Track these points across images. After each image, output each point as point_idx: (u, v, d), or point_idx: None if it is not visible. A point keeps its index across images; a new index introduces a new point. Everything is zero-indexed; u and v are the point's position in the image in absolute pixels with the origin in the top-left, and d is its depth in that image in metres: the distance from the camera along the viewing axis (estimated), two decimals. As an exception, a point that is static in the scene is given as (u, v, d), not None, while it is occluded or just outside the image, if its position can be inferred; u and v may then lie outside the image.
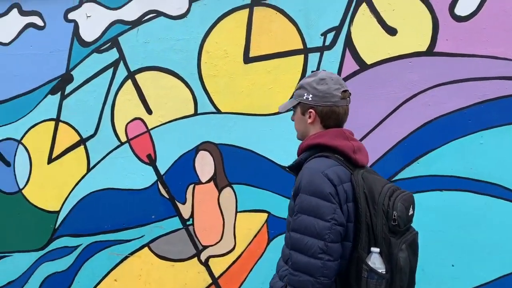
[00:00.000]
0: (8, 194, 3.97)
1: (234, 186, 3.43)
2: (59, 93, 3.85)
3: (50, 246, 3.87)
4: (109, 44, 3.72)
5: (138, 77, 3.66)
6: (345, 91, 1.85)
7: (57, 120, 3.85)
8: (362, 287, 1.64)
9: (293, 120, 1.97)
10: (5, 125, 3.97)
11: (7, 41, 3.98)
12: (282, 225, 3.28)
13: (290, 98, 2.03)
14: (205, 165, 3.50)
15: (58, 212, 3.85)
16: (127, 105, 3.68)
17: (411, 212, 1.75)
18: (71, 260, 3.82)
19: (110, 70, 3.73)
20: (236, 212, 3.43)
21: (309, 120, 1.86)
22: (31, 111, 3.92)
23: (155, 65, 3.61)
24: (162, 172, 3.61)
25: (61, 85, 3.84)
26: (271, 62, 3.35)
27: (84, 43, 3.79)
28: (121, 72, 3.69)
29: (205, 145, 3.50)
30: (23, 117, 3.94)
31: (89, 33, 3.77)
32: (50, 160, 3.88)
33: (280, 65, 3.33)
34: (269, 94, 3.35)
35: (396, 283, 1.66)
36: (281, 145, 3.31)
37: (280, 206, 3.32)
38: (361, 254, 1.67)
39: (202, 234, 3.52)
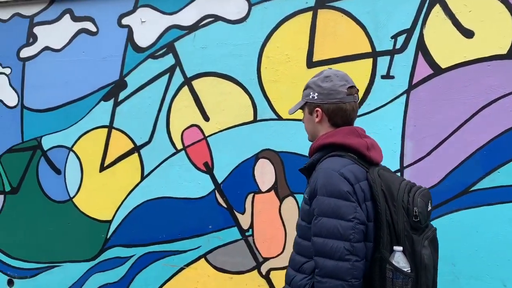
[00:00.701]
0: (58, 202, 3.83)
1: (296, 195, 3.24)
2: (112, 100, 3.71)
3: (101, 257, 3.71)
4: (164, 49, 3.57)
5: (195, 83, 3.50)
6: (351, 87, 1.78)
7: (110, 127, 3.71)
8: (388, 287, 1.57)
9: (303, 122, 1.92)
10: (56, 132, 3.84)
11: (59, 47, 3.86)
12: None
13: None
14: (265, 173, 3.32)
15: (110, 222, 3.70)
16: (184, 112, 3.53)
17: (429, 207, 1.68)
18: (123, 271, 3.66)
19: (166, 76, 3.58)
20: (299, 223, 3.24)
21: (317, 119, 1.81)
22: (82, 118, 3.78)
23: (213, 70, 3.45)
24: (219, 180, 3.43)
25: (114, 91, 3.71)
26: (336, 66, 3.15)
27: (138, 49, 3.65)
28: (177, 78, 3.54)
29: (265, 153, 3.32)
30: (74, 124, 3.80)
31: (144, 39, 3.63)
32: (103, 168, 3.73)
33: (346, 69, 3.07)
34: (335, 100, 3.17)
35: (422, 281, 1.58)
36: (348, 153, 3.13)
37: (347, 217, 3.12)
38: (384, 254, 1.60)
39: (262, 245, 3.33)
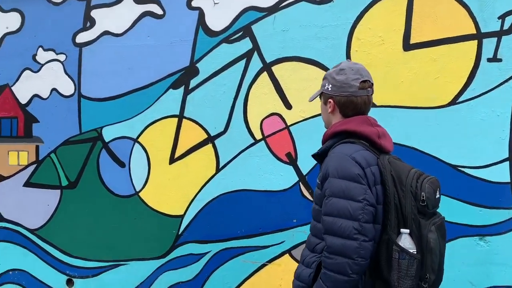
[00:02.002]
0: (122, 197, 3.50)
1: (392, 187, 2.98)
2: (182, 88, 3.38)
3: (172, 254, 3.39)
4: (240, 33, 3.25)
5: (275, 68, 3.19)
6: (364, 81, 1.79)
7: (181, 116, 3.39)
8: (394, 268, 1.59)
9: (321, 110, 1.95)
10: (118, 122, 3.50)
11: (120, 32, 3.51)
12: (454, 231, 2.83)
13: None
14: (356, 164, 3.04)
15: (182, 216, 3.38)
16: (263, 100, 3.22)
17: (438, 195, 1.69)
18: (197, 268, 3.35)
19: (242, 62, 3.26)
20: (396, 215, 2.98)
21: (329, 110, 1.85)
22: (149, 107, 3.44)
23: (296, 55, 3.14)
24: (304, 172, 3.14)
25: (184, 78, 3.37)
26: (437, 49, 2.88)
27: (211, 33, 3.32)
28: (255, 63, 3.22)
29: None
30: (139, 113, 3.46)
31: (217, 22, 3.30)
32: (173, 160, 3.41)
33: (448, 52, 2.87)
34: (435, 85, 2.89)
35: (427, 264, 1.60)
36: (453, 142, 2.85)
37: (454, 210, 2.84)
38: (391, 236, 1.61)
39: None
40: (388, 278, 1.62)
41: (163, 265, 3.41)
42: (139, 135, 3.47)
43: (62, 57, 3.64)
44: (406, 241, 1.59)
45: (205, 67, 3.33)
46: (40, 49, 3.68)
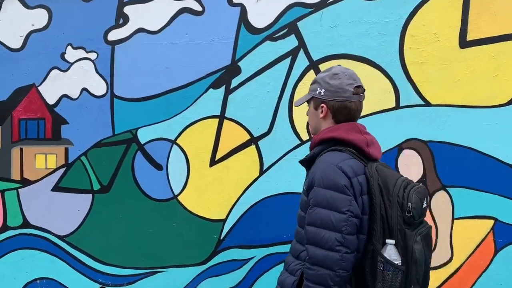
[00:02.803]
0: (159, 201, 3.31)
1: (449, 189, 2.84)
2: (223, 87, 3.20)
3: (214, 260, 3.21)
4: (285, 30, 3.09)
5: (322, 66, 3.03)
6: (358, 86, 1.74)
7: (222, 117, 3.22)
8: (378, 279, 1.55)
9: (307, 115, 1.88)
10: (155, 123, 3.32)
11: (156, 29, 3.33)
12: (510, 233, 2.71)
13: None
14: (411, 165, 2.89)
15: (223, 221, 3.21)
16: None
17: (425, 204, 1.65)
18: (240, 275, 3.17)
19: (287, 60, 3.10)
20: (453, 219, 2.85)
21: (321, 115, 1.77)
22: (187, 107, 3.26)
23: (345, 52, 3.00)
24: (355, 174, 3.00)
25: (225, 77, 3.20)
26: (495, 46, 2.74)
27: (253, 30, 3.15)
28: (301, 61, 3.06)
29: (410, 143, 2.90)
30: (177, 114, 3.28)
31: (260, 19, 3.13)
32: (213, 162, 3.24)
33: (507, 49, 2.72)
34: (494, 83, 2.75)
35: (412, 276, 1.56)
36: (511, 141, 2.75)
37: (510, 211, 2.75)
38: (376, 246, 1.58)
39: (409, 244, 2.92)
40: None
41: (203, 272, 3.23)
42: (177, 137, 3.28)
43: (93, 56, 3.44)
44: (391, 252, 1.55)
45: (248, 65, 3.16)
46: (69, 47, 3.48)
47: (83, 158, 3.45)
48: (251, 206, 3.15)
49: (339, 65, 1.83)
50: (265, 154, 3.13)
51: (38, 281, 3.55)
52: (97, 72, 3.43)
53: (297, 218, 1.82)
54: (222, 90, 3.20)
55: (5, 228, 3.61)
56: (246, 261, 3.16)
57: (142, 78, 3.34)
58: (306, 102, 1.92)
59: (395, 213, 1.58)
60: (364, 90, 1.80)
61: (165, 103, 3.29)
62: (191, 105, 3.25)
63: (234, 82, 3.17)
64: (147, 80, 3.32)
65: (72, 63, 3.48)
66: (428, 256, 1.64)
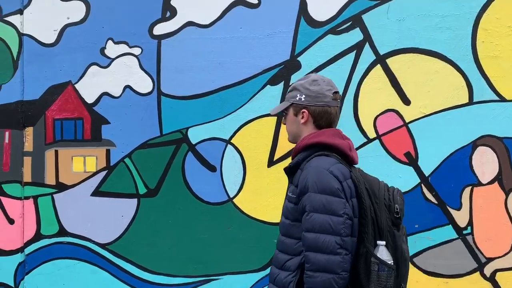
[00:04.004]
0: (214, 204, 3.05)
1: (527, 186, 2.72)
2: (281, 84, 2.99)
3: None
4: (349, 23, 2.91)
5: (390, 61, 2.86)
6: (336, 92, 1.76)
7: (280, 115, 3.00)
8: (373, 280, 1.55)
9: (284, 124, 1.87)
10: (207, 122, 3.07)
11: (207, 23, 3.09)
12: None
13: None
14: (486, 163, 2.74)
15: (284, 225, 3.00)
16: (376, 95, 2.88)
17: (403, 206, 1.69)
18: (304, 281, 2.98)
19: (352, 54, 2.91)
20: (531, 217, 2.72)
21: (302, 120, 1.76)
22: (243, 105, 3.03)
23: (414, 46, 2.84)
24: (426, 173, 2.83)
25: (284, 73, 2.99)
26: None
27: (314, 23, 2.95)
28: (367, 56, 2.87)
29: (485, 140, 2.75)
30: (232, 112, 3.05)
31: (321, 11, 2.93)
32: (272, 163, 3.02)
33: None
34: None
35: (402, 274, 1.60)
36: None
37: None
38: (369, 248, 1.57)
39: (485, 244, 2.75)
40: None
41: (262, 279, 2.99)
42: (232, 136, 3.05)
43: (137, 51, 3.17)
44: (383, 253, 1.56)
45: (308, 60, 2.95)
46: (110, 41, 3.20)
47: (127, 160, 3.17)
48: (314, 208, 2.94)
49: (314, 73, 1.85)
50: (329, 153, 2.93)
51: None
52: (141, 68, 3.16)
53: (279, 226, 1.77)
54: (280, 86, 2.99)
55: (39, 236, 3.29)
56: (310, 266, 2.94)
57: (193, 75, 3.09)
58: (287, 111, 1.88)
59: (384, 215, 1.61)
60: (341, 96, 1.86)
61: (218, 100, 3.06)
62: (246, 102, 3.02)
63: (294, 78, 2.96)
64: (198, 77, 3.08)
65: (113, 59, 3.19)
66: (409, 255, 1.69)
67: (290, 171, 1.78)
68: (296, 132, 1.82)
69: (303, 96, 1.76)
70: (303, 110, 1.76)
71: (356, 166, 1.80)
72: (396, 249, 1.59)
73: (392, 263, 1.56)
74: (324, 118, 1.75)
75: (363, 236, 1.60)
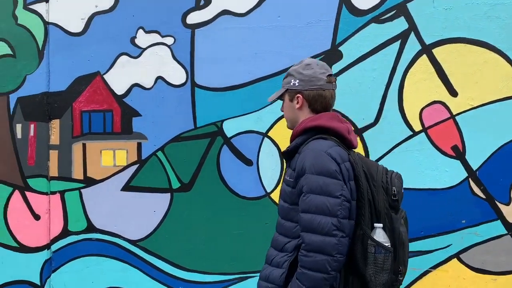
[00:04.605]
0: (250, 199, 2.92)
1: None
2: (322, 74, 2.88)
3: (314, 263, 2.89)
4: (393, 12, 2.79)
5: (436, 51, 2.73)
6: (330, 75, 1.75)
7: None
8: (370, 262, 1.54)
9: (282, 111, 1.86)
10: (243, 115, 2.94)
11: (243, 11, 2.96)
12: None
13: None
14: (538, 156, 2.66)
15: (325, 220, 2.88)
16: (422, 86, 2.75)
17: (402, 189, 1.68)
18: (345, 278, 2.86)
19: (396, 44, 2.78)
20: None
21: (297, 105, 1.76)
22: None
23: (461, 36, 2.72)
24: (474, 167, 2.71)
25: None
26: None
27: (357, 12, 2.82)
28: (412, 46, 2.74)
29: (537, 132, 2.66)
30: (269, 104, 2.89)
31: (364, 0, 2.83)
32: (312, 157, 2.90)
33: None
34: None
35: (399, 257, 1.58)
36: None
37: None
38: (366, 231, 1.57)
39: (536, 240, 2.68)
40: (363, 273, 1.57)
41: (302, 276, 2.88)
42: (269, 129, 2.93)
43: (169, 40, 3.03)
44: (380, 235, 1.55)
45: (350, 50, 2.83)
46: (141, 31, 3.06)
47: (159, 153, 3.04)
48: (356, 203, 2.82)
49: (309, 58, 1.83)
50: (371, 147, 2.81)
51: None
52: (174, 58, 3.03)
53: (278, 209, 1.77)
54: (321, 77, 2.85)
55: (66, 233, 3.16)
56: (352, 263, 2.83)
57: (228, 66, 2.95)
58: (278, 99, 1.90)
59: (381, 198, 1.59)
60: (336, 79, 1.78)
61: (254, 92, 2.93)
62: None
63: (335, 68, 2.83)
64: (234, 68, 2.94)
65: (145, 49, 3.06)
66: (408, 238, 1.66)
67: (288, 155, 1.76)
68: (293, 118, 1.81)
69: (297, 81, 1.75)
70: (298, 95, 1.76)
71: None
72: (393, 232, 1.58)
73: (389, 245, 1.55)
74: (319, 102, 1.73)
75: (360, 219, 1.59)
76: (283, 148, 2.80)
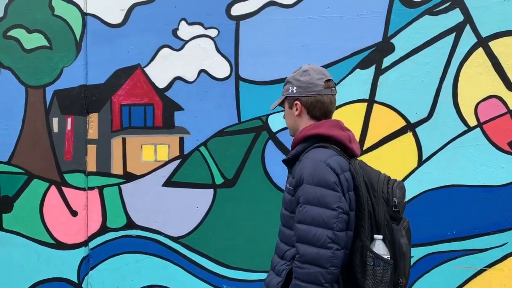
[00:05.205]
0: (296, 196, 2.87)
1: None
2: (372, 67, 2.76)
3: (364, 261, 2.81)
4: (448, 3, 2.68)
5: (493, 44, 2.62)
6: (328, 80, 1.70)
7: (371, 100, 2.78)
8: (369, 274, 1.51)
9: (284, 118, 1.83)
10: (290, 109, 2.86)
11: (290, 2, 2.85)
12: None
13: None
14: None
15: (375, 218, 2.80)
16: (478, 80, 2.65)
17: (405, 199, 1.64)
18: (396, 277, 2.78)
19: (451, 37, 2.68)
20: None
21: (296, 112, 1.73)
22: (329, 90, 2.83)
23: (519, 28, 2.63)
24: (532, 162, 2.64)
25: (375, 56, 2.75)
26: None
27: (409, 4, 2.71)
28: (468, 38, 2.64)
29: None
30: (317, 98, 2.85)
31: (418, -10, 2.73)
32: (361, 152, 2.80)
33: None
34: None
35: (400, 269, 1.54)
36: None
37: None
38: (365, 242, 1.54)
39: None
40: (362, 285, 1.54)
41: (351, 275, 2.80)
42: (317, 124, 2.83)
43: (213, 32, 2.93)
44: (380, 247, 1.51)
45: (402, 43, 2.73)
46: (183, 22, 2.96)
47: (202, 148, 2.95)
48: (408, 201, 2.73)
49: (308, 64, 1.80)
50: (424, 142, 2.72)
51: (150, 290, 3.03)
52: (218, 51, 2.93)
53: (280, 217, 1.75)
54: (371, 70, 2.77)
55: (105, 229, 3.07)
56: (403, 261, 2.75)
57: (274, 58, 2.86)
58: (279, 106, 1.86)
59: (382, 209, 1.55)
60: (335, 84, 1.75)
61: (302, 85, 2.83)
62: (334, 88, 2.80)
63: (386, 61, 2.74)
64: (280, 60, 2.85)
65: (187, 41, 2.96)
66: (410, 249, 1.62)
67: (289, 163, 1.73)
68: (294, 125, 1.77)
69: (295, 88, 1.73)
70: (296, 101, 1.72)
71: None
72: (394, 244, 1.54)
73: (389, 258, 1.51)
74: (318, 108, 1.70)
75: (359, 230, 1.56)
76: (331, 143, 2.72)
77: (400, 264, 1.54)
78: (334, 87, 1.75)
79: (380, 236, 1.53)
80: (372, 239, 1.54)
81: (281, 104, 1.81)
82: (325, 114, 1.72)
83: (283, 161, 1.76)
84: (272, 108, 1.86)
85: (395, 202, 1.56)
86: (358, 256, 1.55)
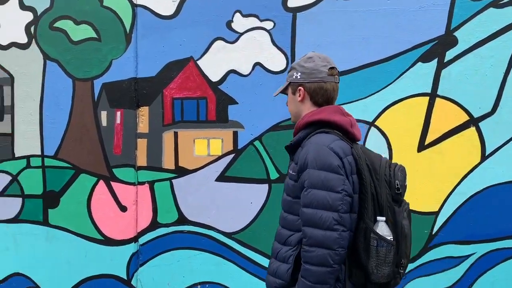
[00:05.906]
0: (355, 192, 2.81)
1: None
2: (435, 61, 2.70)
3: (425, 257, 2.71)
4: (516, -4, 2.64)
5: (560, 37, 2.60)
6: (332, 68, 1.72)
7: (433, 95, 2.72)
8: (372, 255, 1.54)
9: (287, 105, 1.84)
10: (349, 102, 2.76)
11: (351, -6, 2.79)
12: None
13: None
14: None
15: (436, 213, 2.71)
16: (544, 74, 2.63)
17: (406, 182, 1.67)
18: (458, 273, 2.68)
19: (516, 30, 2.65)
20: None
21: (299, 98, 1.74)
22: (389, 84, 2.74)
23: None
24: None
25: (438, 50, 2.69)
26: None
27: (475, -4, 2.68)
28: (534, 31, 2.63)
29: None
30: (377, 92, 2.76)
31: (485, -18, 2.66)
32: (423, 147, 2.75)
33: None
34: None
35: (402, 250, 1.57)
36: None
37: None
38: (368, 224, 1.56)
39: None
40: (366, 266, 1.56)
41: (412, 270, 2.73)
42: (376, 118, 2.77)
43: (268, 25, 2.86)
44: (383, 229, 1.54)
45: (466, 36, 2.67)
46: (238, 14, 2.88)
47: (256, 143, 2.88)
48: (470, 197, 2.69)
49: (312, 51, 1.81)
50: (488, 137, 2.66)
51: (199, 286, 2.97)
52: (273, 44, 2.86)
53: (282, 203, 1.75)
54: (433, 64, 2.70)
55: (156, 225, 3.00)
56: (465, 258, 2.69)
57: (332, 51, 2.70)
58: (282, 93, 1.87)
59: (384, 191, 1.58)
60: (339, 72, 1.75)
61: (361, 79, 2.76)
62: (393, 81, 2.74)
63: (449, 55, 2.68)
64: (339, 54, 2.74)
65: (242, 34, 2.89)
66: (411, 231, 1.64)
67: (291, 149, 1.75)
68: (296, 111, 1.79)
69: (299, 74, 1.74)
70: (299, 87, 1.74)
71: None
72: (396, 225, 1.57)
73: (392, 239, 1.54)
74: (320, 94, 1.71)
75: (362, 212, 1.58)
76: (392, 138, 2.67)
77: (402, 245, 1.57)
78: (338, 75, 1.75)
79: (383, 218, 1.56)
80: (375, 221, 1.56)
81: (285, 90, 1.81)
82: (327, 101, 1.73)
83: (286, 147, 1.77)
84: (275, 94, 1.87)
85: (397, 184, 1.58)
86: (362, 238, 1.57)
